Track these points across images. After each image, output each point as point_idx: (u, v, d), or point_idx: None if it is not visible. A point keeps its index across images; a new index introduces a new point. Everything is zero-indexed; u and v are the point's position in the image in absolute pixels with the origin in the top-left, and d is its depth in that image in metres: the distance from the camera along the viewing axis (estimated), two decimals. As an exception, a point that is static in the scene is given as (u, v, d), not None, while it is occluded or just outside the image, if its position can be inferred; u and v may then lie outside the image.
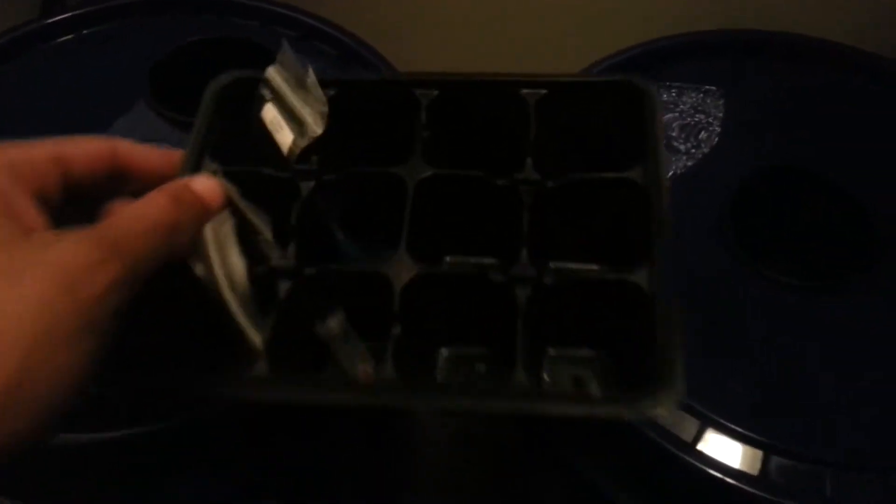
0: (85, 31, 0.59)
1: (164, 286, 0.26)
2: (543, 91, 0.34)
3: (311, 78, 0.33)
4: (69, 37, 0.59)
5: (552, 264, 0.36)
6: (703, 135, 0.53)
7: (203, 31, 0.58)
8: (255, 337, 0.29)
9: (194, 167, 0.32)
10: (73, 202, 0.28)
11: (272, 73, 0.33)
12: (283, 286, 0.31)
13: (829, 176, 0.50)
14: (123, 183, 0.30)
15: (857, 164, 0.51)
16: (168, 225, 0.26)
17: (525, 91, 0.34)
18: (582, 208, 0.34)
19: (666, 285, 0.30)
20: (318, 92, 0.33)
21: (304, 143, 0.32)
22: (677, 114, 0.55)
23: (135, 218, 0.25)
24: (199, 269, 0.28)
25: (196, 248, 0.28)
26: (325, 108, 0.32)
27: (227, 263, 0.28)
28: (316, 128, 0.32)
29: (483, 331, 0.36)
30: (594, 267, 0.37)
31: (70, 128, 0.52)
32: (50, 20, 0.58)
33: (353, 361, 0.31)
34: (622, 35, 0.60)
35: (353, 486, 0.66)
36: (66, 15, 0.59)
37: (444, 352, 0.37)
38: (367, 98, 0.36)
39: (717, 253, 0.47)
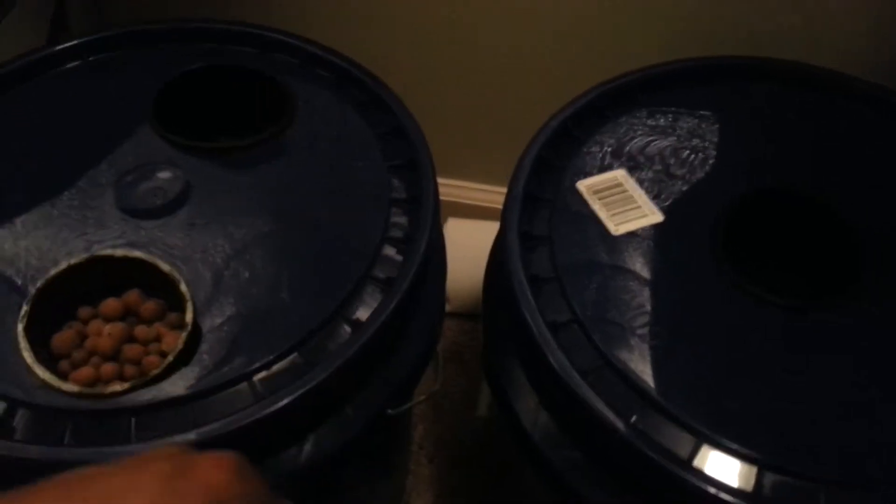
0: (91, 58, 0.60)
1: None
2: None
3: None
4: (76, 63, 0.60)
5: None
6: (698, 159, 0.55)
7: (204, 59, 0.59)
8: None
9: None
10: None
11: None
12: None
13: (817, 197, 0.51)
14: None
15: (847, 186, 0.52)
16: None
17: None
18: None
19: None
20: None
21: None
22: (675, 138, 0.56)
23: None
24: None
25: None
26: None
27: None
28: None
29: None
30: None
31: (77, 150, 0.54)
32: (58, 47, 0.60)
33: None
34: (619, 62, 0.62)
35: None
36: (73, 42, 0.60)
37: None
38: None
39: (709, 274, 0.47)
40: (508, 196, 0.51)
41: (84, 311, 0.47)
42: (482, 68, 0.83)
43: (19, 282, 0.46)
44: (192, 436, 0.40)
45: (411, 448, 0.80)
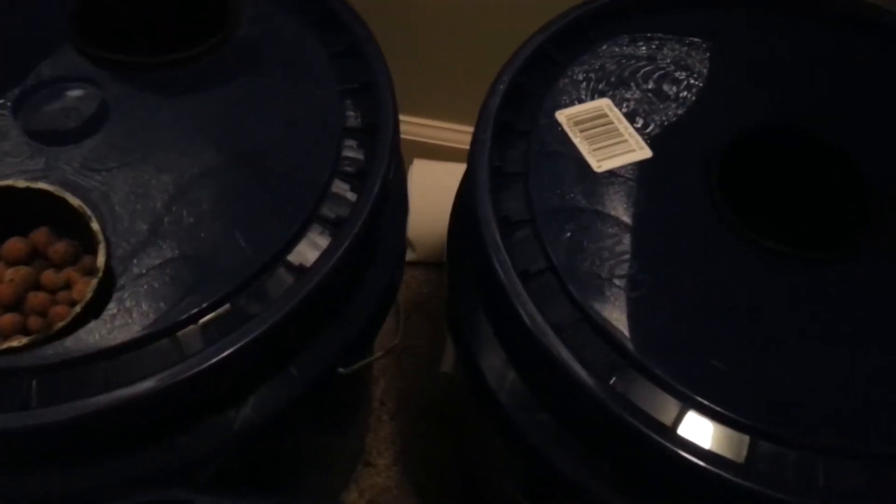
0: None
1: None
2: None
3: None
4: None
5: None
6: (690, 90, 0.49)
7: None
8: None
9: None
10: None
11: None
12: None
13: (823, 135, 0.46)
14: None
15: (853, 121, 0.47)
16: None
17: None
18: None
19: None
20: None
21: None
22: (665, 67, 0.50)
23: None
24: None
25: None
26: None
27: None
28: None
29: None
30: None
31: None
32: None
33: None
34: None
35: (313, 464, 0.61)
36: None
37: None
38: None
39: (702, 219, 0.42)
40: (478, 125, 0.44)
41: (-18, 254, 0.40)
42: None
43: None
44: (102, 399, 0.34)
45: (371, 404, 0.75)
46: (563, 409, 0.40)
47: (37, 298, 0.39)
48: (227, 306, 0.38)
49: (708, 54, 0.51)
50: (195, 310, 0.37)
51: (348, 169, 0.44)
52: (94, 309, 0.37)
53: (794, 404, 0.36)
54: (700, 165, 0.44)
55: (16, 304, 0.39)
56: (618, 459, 0.39)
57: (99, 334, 0.37)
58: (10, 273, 0.40)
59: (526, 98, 0.47)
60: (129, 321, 0.37)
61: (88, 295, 0.37)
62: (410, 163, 0.85)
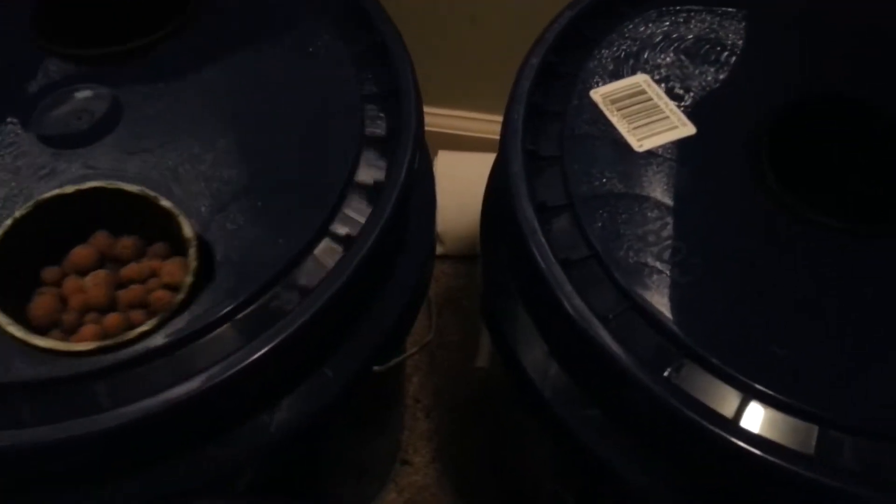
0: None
1: None
2: None
3: None
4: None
5: None
6: (731, 62, 0.46)
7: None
8: None
9: None
10: None
11: None
12: None
13: (877, 104, 0.43)
14: None
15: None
16: None
17: None
18: None
19: None
20: None
21: None
22: (702, 39, 0.47)
23: None
24: None
25: None
26: None
27: None
28: None
29: None
30: None
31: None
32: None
33: None
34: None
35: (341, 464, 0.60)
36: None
37: None
38: None
39: (752, 196, 0.40)
40: (509, 108, 0.42)
41: (49, 273, 0.38)
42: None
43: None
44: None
45: (406, 402, 0.74)
46: (613, 403, 0.38)
47: (131, 292, 0.38)
48: (253, 307, 0.37)
49: (743, 23, 0.49)
50: (220, 314, 0.36)
51: (377, 132, 0.42)
52: (204, 280, 0.36)
53: (865, 390, 0.34)
54: (747, 140, 0.42)
55: (110, 305, 0.37)
56: (673, 454, 0.37)
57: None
58: (90, 279, 0.38)
59: (557, 78, 0.45)
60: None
61: (193, 263, 0.36)
62: (435, 155, 0.84)
